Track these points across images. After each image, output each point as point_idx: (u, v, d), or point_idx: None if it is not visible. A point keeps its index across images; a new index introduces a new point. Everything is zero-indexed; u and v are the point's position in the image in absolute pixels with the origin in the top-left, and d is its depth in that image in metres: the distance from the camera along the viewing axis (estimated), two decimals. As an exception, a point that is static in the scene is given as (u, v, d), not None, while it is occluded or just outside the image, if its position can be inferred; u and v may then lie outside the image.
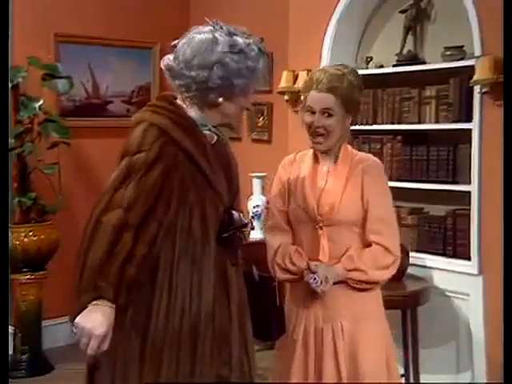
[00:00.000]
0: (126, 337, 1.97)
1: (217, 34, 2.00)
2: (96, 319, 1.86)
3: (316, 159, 2.48)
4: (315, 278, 2.30)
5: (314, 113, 2.38)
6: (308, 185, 2.43)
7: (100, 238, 1.89)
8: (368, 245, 2.39)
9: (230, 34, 2.01)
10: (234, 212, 2.08)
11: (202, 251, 2.01)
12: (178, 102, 2.08)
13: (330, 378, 2.35)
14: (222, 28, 2.03)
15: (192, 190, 1.98)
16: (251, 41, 2.04)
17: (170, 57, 2.06)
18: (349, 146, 2.50)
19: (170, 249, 1.98)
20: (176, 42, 2.06)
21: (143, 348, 1.97)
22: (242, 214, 2.11)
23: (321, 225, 2.38)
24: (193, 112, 2.05)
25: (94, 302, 1.88)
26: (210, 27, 2.03)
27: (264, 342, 2.41)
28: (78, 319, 1.87)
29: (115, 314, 1.92)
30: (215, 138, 2.11)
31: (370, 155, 2.54)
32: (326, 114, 2.35)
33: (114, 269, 1.87)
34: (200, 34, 2.02)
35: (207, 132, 2.08)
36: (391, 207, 2.45)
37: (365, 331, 2.38)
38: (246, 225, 2.11)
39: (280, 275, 2.43)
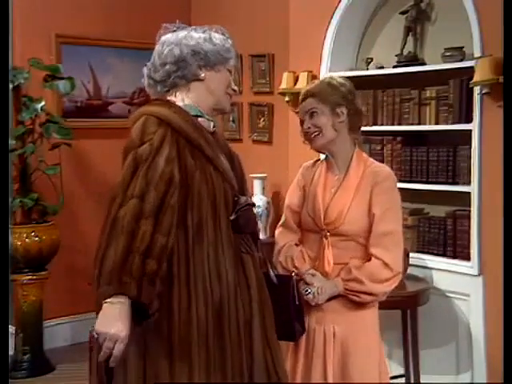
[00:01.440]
0: (151, 334, 1.95)
1: (176, 31, 2.18)
2: (117, 322, 1.82)
3: (328, 166, 2.51)
4: (308, 290, 2.33)
5: (304, 121, 2.49)
6: (319, 193, 2.46)
7: (118, 233, 1.86)
8: (370, 258, 2.37)
9: (207, 30, 2.18)
10: (240, 196, 2.11)
11: (214, 235, 2.01)
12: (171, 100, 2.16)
13: (317, 381, 2.37)
14: (195, 27, 2.20)
15: (197, 174, 2.00)
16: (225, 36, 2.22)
17: (145, 69, 2.21)
18: (364, 155, 2.51)
19: (183, 236, 1.98)
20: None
21: (171, 343, 1.95)
22: (249, 197, 2.17)
23: (326, 234, 2.40)
24: (183, 102, 2.11)
25: (109, 300, 1.83)
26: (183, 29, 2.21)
27: (288, 342, 2.39)
28: (98, 327, 1.83)
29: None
30: (212, 124, 2.16)
31: (385, 167, 2.53)
32: (312, 115, 2.44)
33: (136, 263, 1.83)
34: (163, 39, 2.19)
35: (202, 120, 2.12)
36: (398, 223, 2.42)
37: (357, 339, 2.37)
38: (251, 204, 2.14)
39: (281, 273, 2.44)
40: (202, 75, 2.12)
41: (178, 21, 2.22)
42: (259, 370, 2.08)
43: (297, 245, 2.52)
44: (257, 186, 4.61)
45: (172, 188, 1.93)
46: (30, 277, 4.21)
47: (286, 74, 4.41)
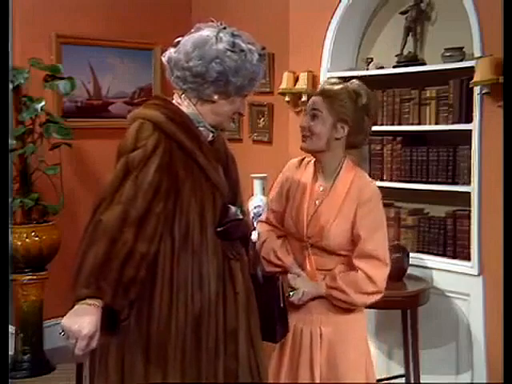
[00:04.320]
0: (130, 336, 1.98)
1: (220, 33, 2.04)
2: (82, 320, 1.83)
3: (315, 172, 2.45)
4: (291, 293, 2.35)
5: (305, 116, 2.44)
6: (304, 201, 2.42)
7: (100, 237, 1.88)
8: (356, 269, 2.35)
9: (233, 36, 2.05)
10: (231, 206, 2.10)
11: (200, 243, 2.01)
12: (174, 101, 2.11)
13: (304, 381, 2.37)
14: (225, 29, 2.07)
15: (188, 183, 1.99)
16: (253, 46, 2.08)
17: (172, 50, 2.08)
18: (352, 167, 2.43)
19: (170, 243, 1.99)
20: (180, 38, 2.09)
21: (148, 346, 1.97)
22: (239, 210, 2.11)
23: (308, 245, 2.39)
24: (187, 109, 2.07)
25: (84, 302, 1.85)
26: (215, 26, 2.07)
27: (268, 342, 2.40)
28: (64, 321, 1.84)
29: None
30: (211, 135, 2.12)
31: (369, 184, 2.44)
32: (313, 116, 2.37)
33: (114, 268, 1.86)
34: (203, 30, 2.06)
35: (202, 129, 2.09)
36: (384, 241, 2.38)
37: (344, 340, 2.37)
38: (240, 220, 2.11)
39: (265, 267, 2.43)
40: (215, 98, 2.06)
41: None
42: (244, 374, 2.09)
43: (279, 237, 2.50)
44: (257, 186, 4.60)
45: (159, 196, 1.94)
46: (30, 277, 4.21)
47: (286, 74, 4.41)
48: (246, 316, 2.11)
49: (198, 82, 2.03)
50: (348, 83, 2.41)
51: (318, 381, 2.35)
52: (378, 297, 2.37)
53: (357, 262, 2.33)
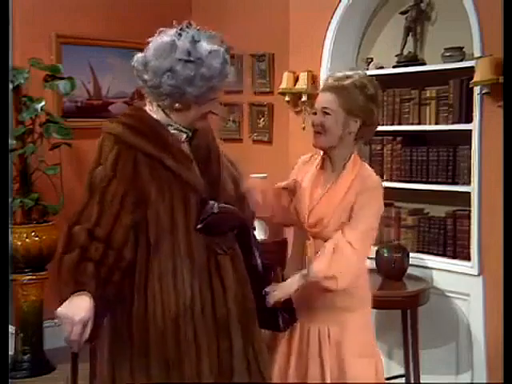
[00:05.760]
0: (118, 339, 2.05)
1: (178, 39, 1.98)
2: (76, 306, 1.90)
3: (323, 165, 2.46)
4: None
5: (316, 113, 2.42)
6: (307, 191, 2.43)
7: (74, 247, 1.97)
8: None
9: (193, 41, 1.98)
10: (209, 202, 2.07)
11: (171, 245, 2.03)
12: (147, 106, 2.10)
13: (315, 381, 2.36)
14: (187, 32, 1.99)
15: (154, 187, 2.01)
16: (216, 48, 2.00)
17: (139, 55, 2.06)
18: (358, 161, 2.44)
19: (145, 250, 2.02)
20: (151, 39, 2.05)
21: (132, 351, 2.02)
22: (216, 204, 2.06)
23: (308, 235, 2.40)
24: (156, 115, 2.08)
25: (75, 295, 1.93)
26: (176, 31, 2.01)
27: (274, 332, 2.38)
28: (59, 309, 1.91)
29: (109, 317, 2.02)
30: (184, 136, 2.11)
31: (373, 174, 2.44)
32: (325, 113, 2.36)
33: (89, 267, 1.94)
34: (164, 36, 2.01)
35: (174, 131, 2.08)
36: (366, 236, 2.34)
37: (352, 339, 2.36)
38: (215, 213, 2.06)
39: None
40: (177, 106, 2.04)
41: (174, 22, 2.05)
42: (240, 370, 2.08)
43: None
44: (257, 186, 4.60)
45: (126, 209, 1.99)
46: (30, 277, 4.21)
47: (286, 74, 4.41)
48: (238, 310, 2.10)
49: (155, 94, 2.03)
50: (353, 75, 2.40)
51: (328, 381, 2.34)
52: (329, 283, 2.29)
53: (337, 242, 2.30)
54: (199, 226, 2.05)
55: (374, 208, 2.38)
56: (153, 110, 2.09)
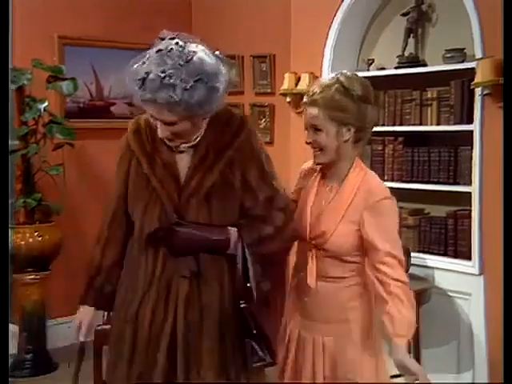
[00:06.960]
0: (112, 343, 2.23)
1: (149, 50, 1.97)
2: (80, 313, 2.27)
3: (324, 175, 2.35)
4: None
5: (307, 129, 2.30)
6: (309, 203, 2.32)
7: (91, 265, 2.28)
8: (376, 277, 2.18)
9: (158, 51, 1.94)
10: (169, 213, 2.03)
11: (138, 253, 2.12)
12: None
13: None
14: (171, 50, 1.93)
15: (133, 193, 2.13)
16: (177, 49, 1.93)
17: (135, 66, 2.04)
18: (362, 165, 2.31)
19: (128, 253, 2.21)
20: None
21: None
22: (174, 215, 2.02)
23: (311, 247, 2.28)
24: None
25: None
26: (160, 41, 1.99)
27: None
28: (74, 317, 2.26)
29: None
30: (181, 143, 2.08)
31: (379, 184, 2.30)
32: (315, 129, 2.25)
33: (87, 279, 2.26)
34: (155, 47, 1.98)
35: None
36: (398, 242, 2.23)
37: (348, 352, 2.24)
38: (171, 229, 2.02)
39: None
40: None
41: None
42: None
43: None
44: (258, 187, 4.61)
45: (121, 204, 2.17)
46: (32, 276, 4.22)
47: (287, 75, 4.42)
48: (184, 331, 2.03)
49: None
50: (335, 82, 2.23)
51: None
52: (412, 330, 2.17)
53: (380, 267, 2.16)
54: (149, 233, 2.06)
55: (390, 219, 2.26)
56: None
